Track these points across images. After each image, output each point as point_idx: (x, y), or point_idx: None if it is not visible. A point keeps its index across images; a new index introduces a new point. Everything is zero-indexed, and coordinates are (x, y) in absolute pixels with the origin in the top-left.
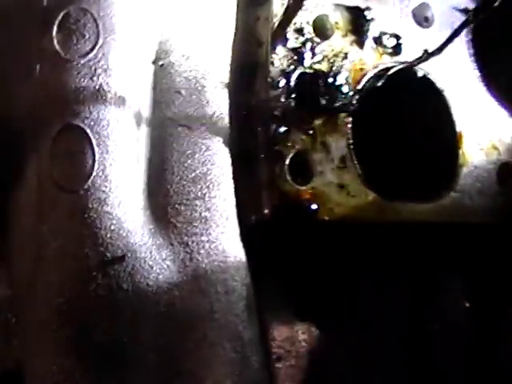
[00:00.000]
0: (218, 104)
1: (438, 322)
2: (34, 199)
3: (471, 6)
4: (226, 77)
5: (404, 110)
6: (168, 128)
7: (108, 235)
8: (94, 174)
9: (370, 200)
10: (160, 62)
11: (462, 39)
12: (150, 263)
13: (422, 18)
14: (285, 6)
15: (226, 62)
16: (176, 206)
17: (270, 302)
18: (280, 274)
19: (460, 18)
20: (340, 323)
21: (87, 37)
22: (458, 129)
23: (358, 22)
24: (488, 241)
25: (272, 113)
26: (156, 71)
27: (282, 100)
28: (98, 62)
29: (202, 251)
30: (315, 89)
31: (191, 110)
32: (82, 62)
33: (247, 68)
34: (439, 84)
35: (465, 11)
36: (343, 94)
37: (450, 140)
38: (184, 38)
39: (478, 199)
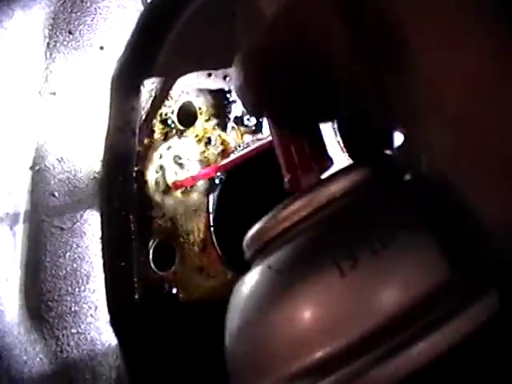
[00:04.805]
0: (89, 201)
1: None
2: None
3: None
4: (97, 172)
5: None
6: (43, 230)
7: None
8: None
9: (229, 279)
10: (36, 167)
11: None
12: (25, 358)
13: None
14: (152, 97)
15: (99, 156)
16: (48, 302)
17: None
18: (152, 354)
19: None
20: None
21: None
22: None
23: (220, 105)
24: None
25: (140, 202)
26: (33, 176)
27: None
28: None
29: (72, 343)
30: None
31: (64, 211)
32: None
33: (121, 158)
34: None
35: None
36: None
37: None
38: (58, 141)
39: None
